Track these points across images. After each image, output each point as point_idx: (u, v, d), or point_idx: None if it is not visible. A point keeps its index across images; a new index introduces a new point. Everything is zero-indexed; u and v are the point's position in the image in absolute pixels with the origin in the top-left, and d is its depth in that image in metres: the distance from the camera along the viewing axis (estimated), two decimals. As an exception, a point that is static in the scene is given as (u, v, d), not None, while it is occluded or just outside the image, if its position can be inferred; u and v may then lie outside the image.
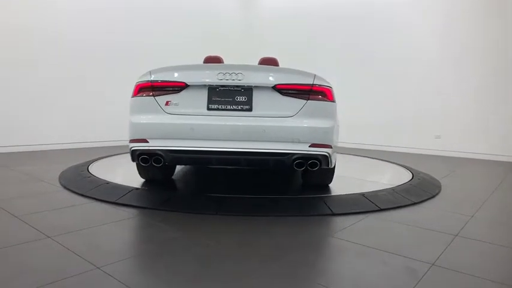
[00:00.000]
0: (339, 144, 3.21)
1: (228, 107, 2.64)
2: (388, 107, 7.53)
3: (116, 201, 2.82)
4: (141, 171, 3.36)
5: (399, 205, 2.97)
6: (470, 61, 6.57)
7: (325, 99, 2.72)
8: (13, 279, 1.57)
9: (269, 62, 3.53)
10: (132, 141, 2.75)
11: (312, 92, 2.67)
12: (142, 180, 3.45)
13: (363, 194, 3.04)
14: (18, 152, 5.40)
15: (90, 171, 3.78)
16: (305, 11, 8.52)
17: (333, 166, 2.87)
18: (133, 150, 2.73)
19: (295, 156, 2.57)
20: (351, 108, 7.91)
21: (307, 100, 2.65)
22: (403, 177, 4.00)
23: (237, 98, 2.64)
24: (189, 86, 2.68)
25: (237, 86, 2.65)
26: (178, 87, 2.69)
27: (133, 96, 2.84)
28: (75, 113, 6.12)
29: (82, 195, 3.00)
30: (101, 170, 3.83)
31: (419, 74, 7.10)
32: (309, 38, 8.41)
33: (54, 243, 1.98)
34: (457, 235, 2.31)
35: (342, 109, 8.15)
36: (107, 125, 6.38)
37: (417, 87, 7.13)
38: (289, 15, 8.76)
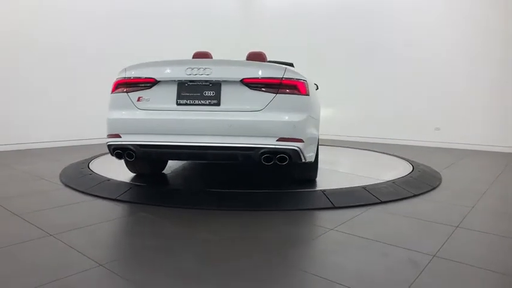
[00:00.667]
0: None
1: (197, 101, 2.65)
2: (387, 100, 7.52)
3: (118, 198, 2.82)
4: (128, 165, 3.41)
5: (400, 197, 2.98)
6: (471, 52, 6.55)
7: (296, 92, 2.66)
8: (16, 277, 1.58)
9: (256, 56, 3.51)
10: (108, 136, 2.82)
11: (281, 86, 2.63)
12: (143, 176, 3.46)
13: (363, 187, 3.05)
14: (13, 150, 5.39)
15: (91, 168, 3.79)
16: (305, 10, 8.48)
17: (308, 161, 2.79)
18: (108, 145, 2.82)
19: (262, 151, 2.54)
20: (349, 103, 7.94)
21: (276, 94, 2.61)
22: (403, 169, 4.00)
23: (205, 93, 2.65)
24: (159, 81, 2.73)
25: (206, 81, 2.66)
26: (150, 83, 2.74)
27: (111, 93, 2.91)
28: (72, 110, 6.11)
29: (83, 192, 3.01)
30: (102, 167, 3.83)
31: (419, 68, 7.08)
32: (310, 37, 8.38)
33: (56, 241, 1.98)
34: (457, 226, 2.32)
35: (341, 103, 8.15)
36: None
37: (416, 80, 7.12)
38: (289, 14, 8.73)
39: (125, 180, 3.28)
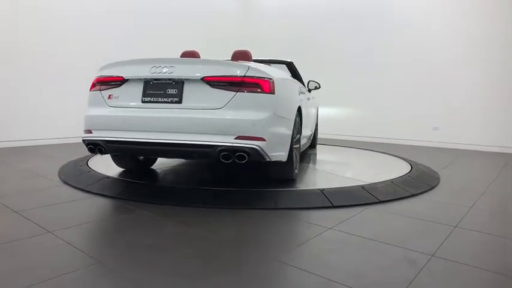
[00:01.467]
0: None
1: (160, 99, 2.71)
2: (385, 100, 7.53)
3: (116, 196, 2.82)
4: (115, 160, 3.53)
5: (398, 197, 2.98)
6: (470, 53, 6.56)
7: (259, 91, 2.63)
8: (15, 274, 1.57)
9: (241, 54, 3.54)
10: (84, 131, 2.96)
11: (243, 84, 2.62)
12: (144, 174, 3.46)
13: (362, 186, 3.05)
14: (12, 147, 5.38)
15: (89, 165, 3.78)
16: (306, 10, 8.48)
17: (275, 160, 2.77)
18: (82, 140, 2.93)
19: (219, 149, 2.54)
20: (348, 102, 7.94)
21: (237, 92, 2.60)
22: (401, 169, 4.01)
23: (168, 91, 2.70)
24: (128, 80, 2.82)
25: (169, 79, 2.71)
26: (119, 81, 2.85)
27: (89, 91, 3.05)
28: (70, 107, 6.09)
29: (82, 190, 3.00)
30: (101, 165, 3.82)
31: (418, 68, 7.09)
32: (310, 37, 8.38)
33: (55, 238, 1.98)
34: (456, 226, 2.33)
35: (340, 103, 8.16)
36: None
37: (415, 80, 7.13)
38: (289, 15, 8.73)
39: (123, 178, 3.28)
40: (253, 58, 3.54)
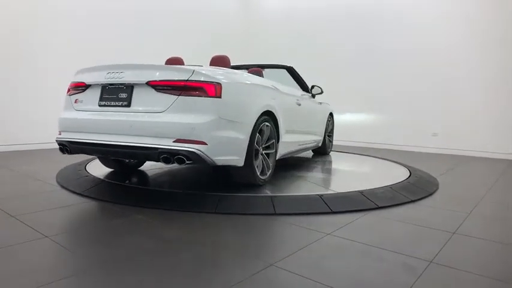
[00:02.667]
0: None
1: (113, 103, 2.85)
2: (384, 105, 7.55)
3: (114, 201, 2.81)
4: (100, 160, 3.78)
5: (397, 203, 2.98)
6: (471, 60, 6.59)
7: (202, 94, 2.65)
8: (11, 279, 1.56)
9: (219, 59, 3.58)
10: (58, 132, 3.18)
11: (185, 88, 2.65)
12: (142, 178, 3.45)
13: (361, 192, 3.05)
14: (10, 151, 5.37)
15: (87, 170, 3.77)
16: (306, 11, 8.52)
17: (222, 164, 2.77)
18: (55, 140, 3.12)
19: (159, 151, 2.59)
20: (346, 108, 7.95)
21: (179, 96, 2.64)
22: (400, 175, 4.01)
23: (120, 95, 2.83)
24: (90, 85, 3.00)
25: (121, 84, 2.83)
26: (82, 87, 3.05)
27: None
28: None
29: (79, 194, 2.99)
30: (99, 169, 3.81)
31: (417, 73, 7.12)
32: (310, 38, 8.42)
33: (51, 242, 1.97)
34: (454, 232, 2.32)
35: (338, 108, 8.16)
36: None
37: (414, 86, 7.15)
38: (290, 16, 8.78)
39: (121, 183, 3.27)
40: (252, 62, 3.56)
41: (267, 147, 3.35)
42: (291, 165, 4.56)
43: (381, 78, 7.52)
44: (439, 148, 6.85)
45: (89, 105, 2.98)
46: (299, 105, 4.17)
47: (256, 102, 3.14)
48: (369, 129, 7.63)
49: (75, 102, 3.07)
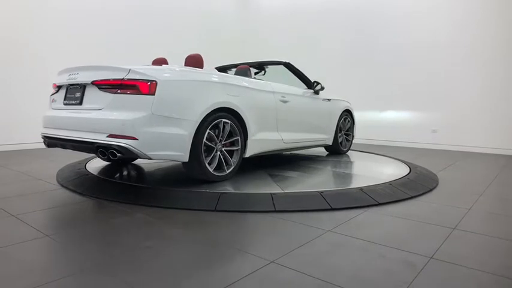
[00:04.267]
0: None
1: (71, 102, 3.13)
2: (383, 102, 7.54)
3: (114, 199, 2.82)
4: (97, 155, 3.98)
5: (397, 199, 2.98)
6: (470, 56, 6.58)
7: (136, 92, 2.78)
8: (12, 278, 1.56)
9: (192, 59, 3.58)
10: None
11: (121, 86, 2.82)
12: (142, 177, 3.45)
13: (361, 189, 3.05)
14: (10, 150, 5.37)
15: (87, 168, 3.77)
16: (305, 10, 8.50)
17: (157, 159, 2.93)
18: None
19: (96, 145, 2.78)
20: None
21: (115, 94, 2.82)
22: (400, 171, 4.01)
23: (76, 95, 3.11)
24: (61, 86, 3.31)
25: (77, 84, 3.10)
26: (56, 87, 3.39)
27: None
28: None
29: (80, 193, 3.00)
30: (99, 168, 3.82)
31: (416, 70, 7.11)
32: (309, 37, 8.39)
33: (52, 241, 1.97)
34: (454, 228, 2.32)
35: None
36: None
37: (414, 82, 7.14)
38: (289, 14, 8.75)
39: (122, 181, 3.27)
40: (251, 60, 3.54)
41: (232, 144, 3.36)
42: (291, 164, 4.56)
43: (380, 75, 7.52)
44: (438, 144, 6.85)
45: (59, 104, 3.29)
46: (284, 102, 4.03)
47: (203, 99, 3.09)
48: (368, 126, 7.62)
49: (52, 101, 3.41)
